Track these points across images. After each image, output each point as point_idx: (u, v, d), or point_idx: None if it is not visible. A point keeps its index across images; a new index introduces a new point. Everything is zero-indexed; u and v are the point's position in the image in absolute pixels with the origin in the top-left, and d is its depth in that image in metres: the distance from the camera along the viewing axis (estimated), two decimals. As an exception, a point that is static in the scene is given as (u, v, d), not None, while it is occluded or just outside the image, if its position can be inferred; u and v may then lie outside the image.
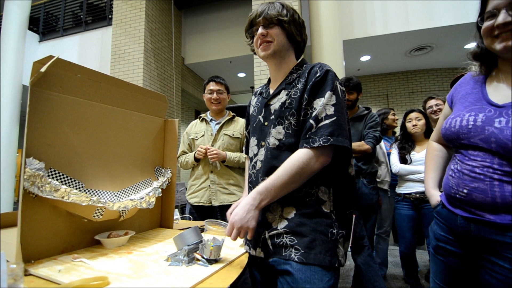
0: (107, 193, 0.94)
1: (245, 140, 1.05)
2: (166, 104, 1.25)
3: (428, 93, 5.89)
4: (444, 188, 0.84)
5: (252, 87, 5.28)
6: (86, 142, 0.90)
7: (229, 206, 1.64)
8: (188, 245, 0.74)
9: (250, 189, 0.87)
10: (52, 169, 0.80)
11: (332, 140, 0.71)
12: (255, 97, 0.97)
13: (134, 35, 4.39)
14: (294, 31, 0.84)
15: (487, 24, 0.71)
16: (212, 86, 1.79)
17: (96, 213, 0.83)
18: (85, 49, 5.06)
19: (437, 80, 5.95)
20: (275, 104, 0.83)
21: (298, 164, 0.71)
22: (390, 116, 2.55)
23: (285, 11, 0.83)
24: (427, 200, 1.83)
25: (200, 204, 1.68)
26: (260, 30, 0.83)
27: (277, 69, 0.87)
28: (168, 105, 1.57)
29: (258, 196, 0.72)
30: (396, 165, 1.99)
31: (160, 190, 1.11)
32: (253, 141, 0.89)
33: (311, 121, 0.74)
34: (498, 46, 0.70)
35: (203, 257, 0.73)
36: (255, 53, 0.91)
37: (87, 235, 0.90)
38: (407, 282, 2.07)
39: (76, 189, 0.84)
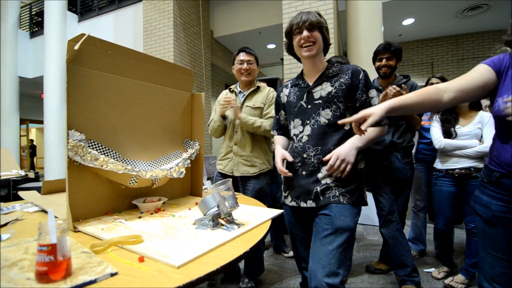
0: (141, 163, 1.02)
1: (275, 121, 1.33)
2: (192, 78, 1.28)
3: (481, 59, 5.24)
4: None
5: (282, 59, 5.11)
6: (120, 116, 0.97)
7: (249, 177, 1.75)
8: (211, 209, 0.79)
9: (295, 157, 1.11)
10: (92, 141, 0.88)
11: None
12: (289, 88, 1.21)
13: (163, 9, 4.41)
14: (327, 36, 1.10)
15: None
16: (242, 56, 1.75)
17: (131, 180, 0.92)
18: (119, 26, 5.23)
19: (493, 44, 5.24)
20: (319, 92, 1.09)
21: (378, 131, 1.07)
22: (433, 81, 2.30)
23: (322, 20, 1.07)
24: (474, 176, 1.71)
25: (223, 172, 1.78)
26: (305, 33, 1.04)
27: (314, 66, 1.12)
28: (195, 79, 1.58)
29: (358, 143, 1.01)
30: (440, 140, 1.83)
31: (189, 161, 1.17)
32: (297, 122, 1.13)
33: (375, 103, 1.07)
34: None
35: (227, 223, 0.78)
36: (289, 53, 1.19)
37: (126, 200, 1.00)
38: (440, 259, 2.01)
39: (114, 158, 0.92)
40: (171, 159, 1.15)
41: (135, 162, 1.00)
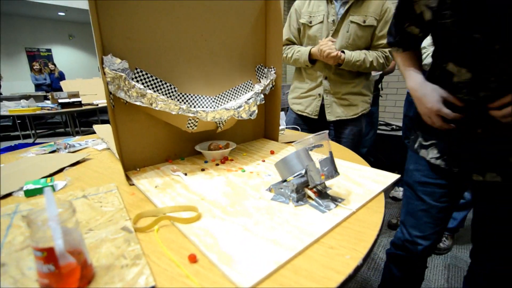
0: (201, 98, 0.79)
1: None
2: (266, -26, 0.88)
3: None
4: None
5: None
6: (172, 32, 0.71)
7: (347, 121, 1.27)
8: (294, 175, 0.53)
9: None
10: (138, 70, 0.67)
11: None
12: None
13: None
14: None
15: None
16: None
17: (189, 123, 0.71)
18: None
19: None
20: None
21: None
22: None
23: None
24: None
25: (304, 114, 1.32)
26: None
27: None
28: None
29: None
30: None
31: (262, 96, 0.89)
32: None
33: None
34: None
35: (317, 196, 0.52)
36: None
37: (189, 145, 0.83)
38: None
39: (166, 94, 0.70)
40: (240, 93, 0.89)
41: (193, 97, 0.77)
